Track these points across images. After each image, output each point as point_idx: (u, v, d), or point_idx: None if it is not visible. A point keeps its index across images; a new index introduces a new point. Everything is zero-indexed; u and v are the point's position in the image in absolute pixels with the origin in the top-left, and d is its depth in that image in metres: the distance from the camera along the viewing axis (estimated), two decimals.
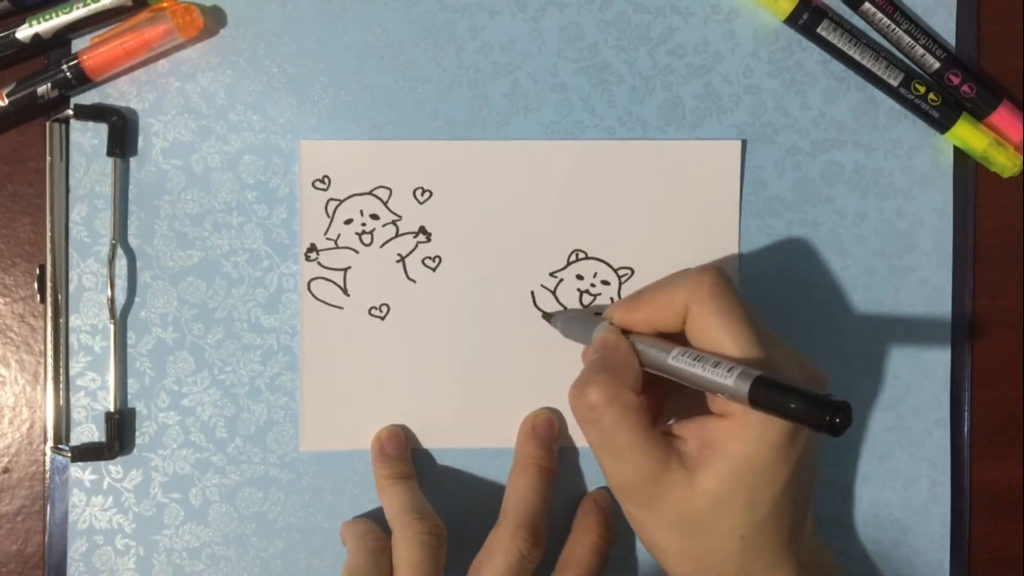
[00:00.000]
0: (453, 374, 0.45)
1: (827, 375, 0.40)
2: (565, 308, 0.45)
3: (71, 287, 0.44)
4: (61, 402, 0.44)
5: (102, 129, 0.43)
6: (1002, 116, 0.45)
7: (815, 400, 0.32)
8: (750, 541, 0.36)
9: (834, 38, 0.44)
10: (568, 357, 0.45)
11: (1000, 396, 0.47)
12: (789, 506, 0.37)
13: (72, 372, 0.44)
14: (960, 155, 0.46)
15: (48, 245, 0.44)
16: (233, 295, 0.45)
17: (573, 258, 0.45)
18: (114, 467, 0.44)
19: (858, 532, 0.46)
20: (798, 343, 0.46)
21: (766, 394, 0.33)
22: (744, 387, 0.33)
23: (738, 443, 0.36)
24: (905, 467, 0.46)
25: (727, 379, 0.34)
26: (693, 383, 0.36)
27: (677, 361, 0.36)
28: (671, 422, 0.38)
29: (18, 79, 0.43)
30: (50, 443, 0.44)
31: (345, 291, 0.45)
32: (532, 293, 0.45)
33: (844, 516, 0.46)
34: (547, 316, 0.45)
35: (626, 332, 0.39)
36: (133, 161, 0.44)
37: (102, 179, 0.44)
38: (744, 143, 0.45)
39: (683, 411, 0.39)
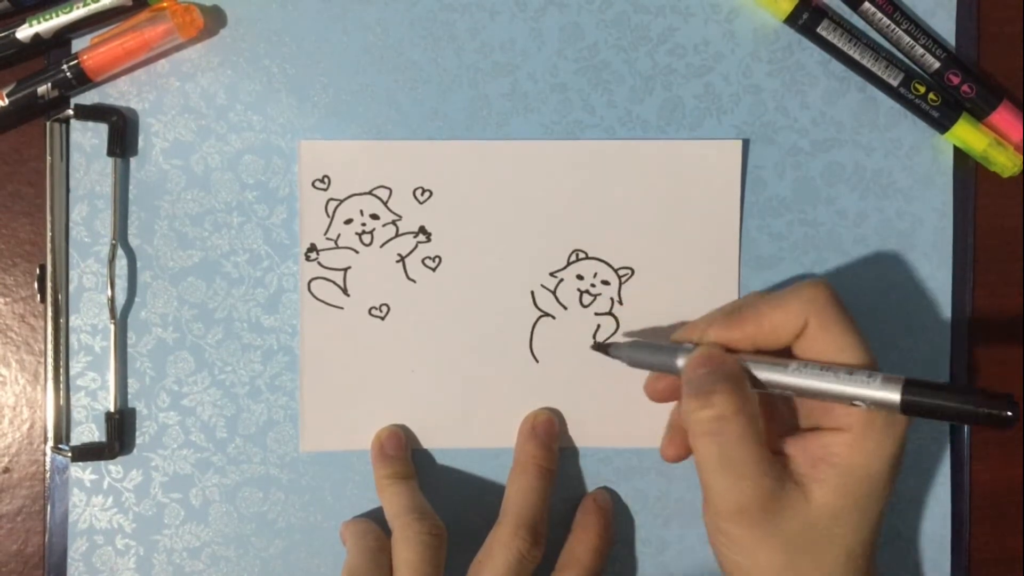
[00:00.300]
0: (453, 374, 0.45)
1: None
2: (565, 308, 0.44)
3: (71, 287, 0.44)
4: (61, 402, 0.44)
5: (102, 129, 0.44)
6: (1002, 116, 0.45)
7: (985, 395, 0.30)
8: (855, 554, 0.36)
9: (834, 38, 0.44)
10: (568, 357, 0.45)
11: None
12: (884, 520, 0.37)
13: (72, 372, 0.44)
14: (960, 155, 0.46)
15: (48, 245, 0.44)
16: (233, 295, 0.45)
17: (573, 258, 0.45)
18: (114, 467, 0.44)
19: None
20: None
21: (922, 397, 0.32)
22: (895, 392, 0.32)
23: (859, 456, 0.35)
24: (905, 467, 0.46)
25: (870, 386, 0.33)
26: (820, 395, 0.35)
27: (800, 373, 0.35)
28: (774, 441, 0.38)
29: (18, 79, 0.43)
30: (50, 443, 0.44)
31: (345, 291, 0.45)
32: (532, 293, 0.45)
33: None
34: (601, 347, 0.43)
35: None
36: (133, 161, 0.44)
37: (102, 179, 0.44)
38: (745, 143, 0.45)
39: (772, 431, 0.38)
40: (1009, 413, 0.30)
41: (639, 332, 0.45)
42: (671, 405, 0.43)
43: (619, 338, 0.45)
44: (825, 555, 0.36)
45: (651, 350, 0.40)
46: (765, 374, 0.36)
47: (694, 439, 0.36)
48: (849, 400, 0.34)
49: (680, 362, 0.38)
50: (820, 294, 0.37)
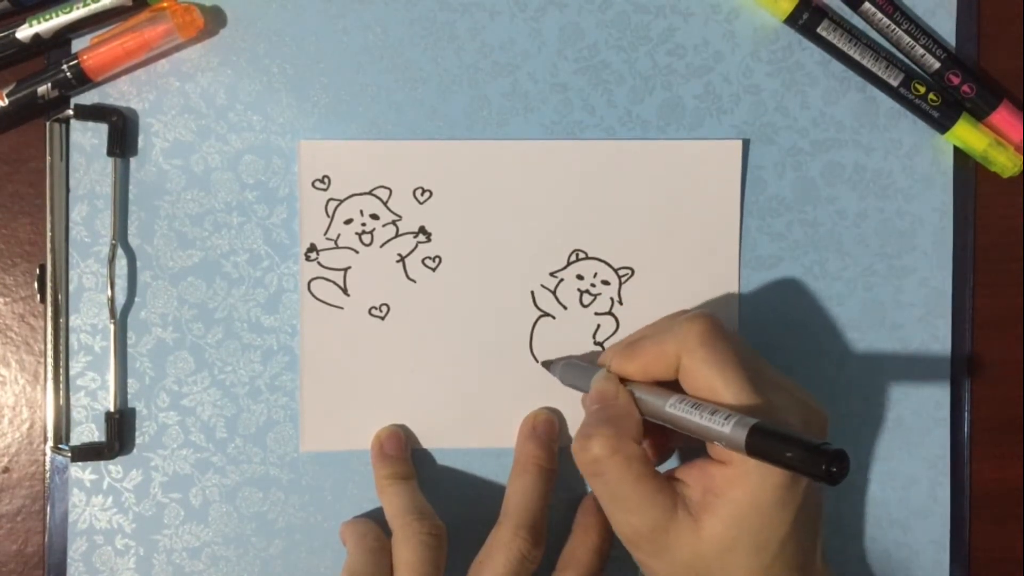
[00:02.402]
0: (453, 374, 0.45)
1: (827, 412, 0.40)
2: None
3: (71, 287, 0.44)
4: (61, 402, 0.44)
5: (102, 129, 0.44)
6: (1002, 116, 0.45)
7: (811, 449, 0.32)
8: None
9: (834, 38, 0.44)
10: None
11: (1000, 396, 0.47)
12: (794, 546, 0.37)
13: (72, 372, 0.44)
14: (960, 155, 0.46)
15: (48, 245, 0.44)
16: (233, 295, 0.45)
17: (573, 258, 0.45)
18: (114, 467, 0.44)
19: (858, 532, 0.46)
20: (798, 344, 0.46)
21: (763, 443, 0.33)
22: (741, 436, 0.34)
23: (741, 489, 0.36)
24: (905, 467, 0.46)
25: (724, 427, 0.34)
26: (692, 431, 0.36)
27: (674, 409, 0.37)
28: (674, 468, 0.38)
29: (18, 79, 0.43)
30: (50, 443, 0.44)
31: (345, 291, 0.45)
32: (532, 293, 0.45)
33: (843, 516, 0.46)
34: (546, 364, 0.45)
35: (624, 380, 0.40)
36: (133, 161, 0.44)
37: (102, 179, 0.44)
38: (746, 143, 0.45)
39: (689, 451, 0.39)
40: (833, 469, 0.31)
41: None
42: None
43: (619, 338, 0.45)
44: None
45: (577, 372, 0.42)
46: (647, 407, 0.38)
47: (584, 475, 0.38)
48: (712, 438, 0.35)
49: (593, 385, 0.40)
50: (693, 331, 0.38)
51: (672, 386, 0.38)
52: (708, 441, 0.36)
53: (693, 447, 0.39)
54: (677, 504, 0.37)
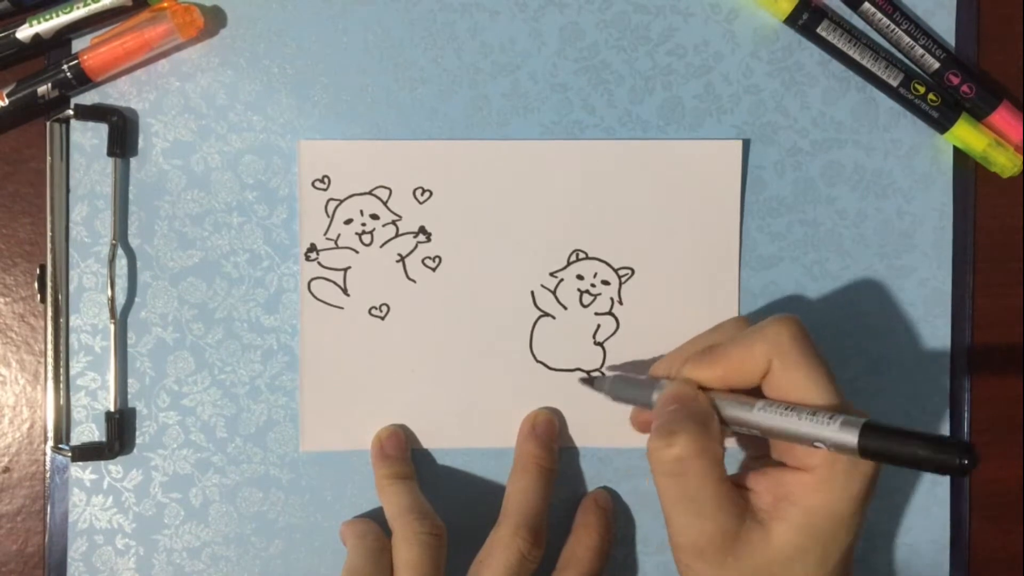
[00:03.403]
0: (453, 374, 0.45)
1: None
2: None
3: (71, 287, 0.44)
4: (61, 402, 0.44)
5: (102, 129, 0.44)
6: (1002, 116, 0.45)
7: (939, 442, 0.31)
8: None
9: (834, 38, 0.44)
10: (568, 358, 0.45)
11: (1000, 396, 0.47)
12: (851, 554, 0.36)
13: (72, 372, 0.44)
14: (960, 155, 0.46)
15: (48, 245, 0.44)
16: (233, 295, 0.45)
17: (573, 258, 0.45)
18: (114, 467, 0.44)
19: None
20: None
21: (878, 441, 0.32)
22: (852, 435, 0.32)
23: (820, 495, 0.35)
24: (905, 468, 0.46)
25: (828, 428, 0.33)
26: (782, 435, 0.35)
27: (764, 413, 0.35)
28: (738, 475, 0.38)
29: (18, 79, 0.43)
30: (50, 443, 0.44)
31: (345, 291, 0.45)
32: (532, 293, 0.45)
33: None
34: (587, 381, 0.43)
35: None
36: (133, 161, 0.44)
37: (102, 179, 0.44)
38: (746, 143, 0.45)
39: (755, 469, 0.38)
40: (965, 461, 0.30)
41: (639, 333, 0.45)
42: None
43: (618, 339, 0.45)
44: None
45: (631, 385, 0.40)
46: (731, 412, 0.36)
47: (656, 476, 0.37)
48: (810, 441, 0.34)
49: (656, 397, 0.38)
50: (784, 333, 0.36)
51: (753, 395, 0.37)
52: (804, 444, 0.35)
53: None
54: (747, 512, 0.36)
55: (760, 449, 0.39)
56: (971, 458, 0.30)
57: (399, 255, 0.45)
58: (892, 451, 0.32)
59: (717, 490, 0.35)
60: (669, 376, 0.39)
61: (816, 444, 0.34)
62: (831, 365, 0.36)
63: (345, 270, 0.45)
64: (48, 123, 0.43)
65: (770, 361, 0.36)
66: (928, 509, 0.46)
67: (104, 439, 0.44)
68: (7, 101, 0.43)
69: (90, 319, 0.44)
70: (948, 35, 0.46)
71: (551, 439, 0.44)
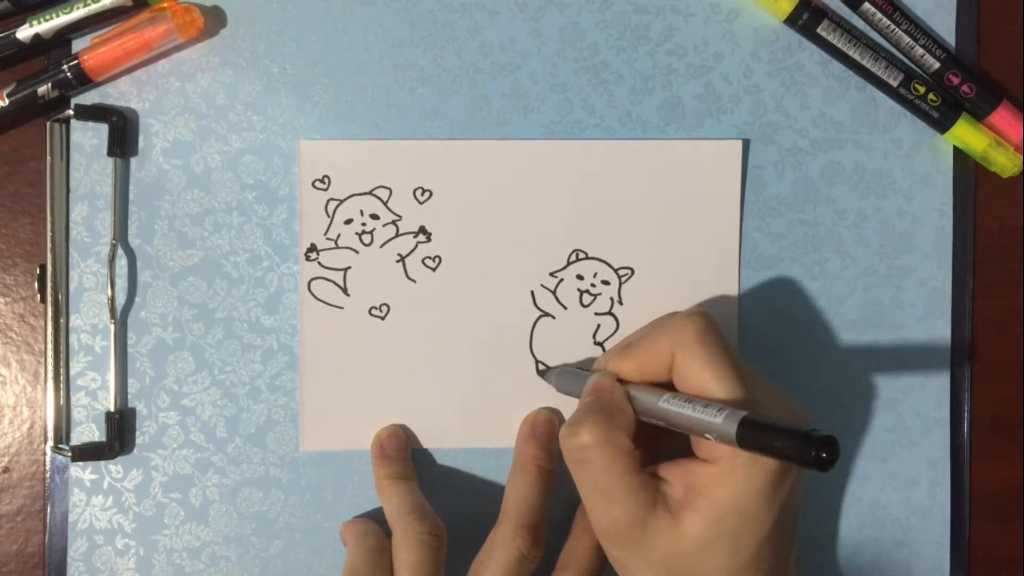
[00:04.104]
0: (453, 374, 0.45)
1: (809, 412, 0.40)
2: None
3: (71, 287, 0.44)
4: (61, 402, 0.44)
5: (102, 129, 0.44)
6: (1002, 116, 0.45)
7: (801, 437, 0.32)
8: None
9: (834, 38, 0.44)
10: (568, 357, 0.45)
11: (1000, 396, 0.47)
12: (771, 550, 0.37)
13: (72, 372, 0.44)
14: (960, 155, 0.46)
15: (48, 245, 0.44)
16: (233, 295, 0.45)
17: (573, 258, 0.45)
18: (114, 467, 0.44)
19: (858, 532, 0.46)
20: (797, 343, 0.46)
21: (753, 433, 0.33)
22: (732, 427, 0.34)
23: (724, 488, 0.36)
24: (905, 467, 0.46)
25: (715, 419, 0.35)
26: (683, 427, 0.36)
27: (668, 404, 0.37)
28: (656, 465, 0.39)
29: (18, 79, 0.43)
30: (50, 443, 0.44)
31: (345, 291, 0.45)
32: (532, 293, 0.45)
33: (844, 516, 0.46)
34: (541, 373, 0.45)
35: (621, 381, 0.40)
36: (133, 161, 0.44)
37: (102, 179, 0.44)
38: (746, 143, 0.45)
39: (672, 454, 0.39)
40: (824, 455, 0.31)
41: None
42: None
43: (618, 340, 0.45)
44: None
45: (572, 378, 0.42)
46: (640, 404, 0.38)
47: (568, 464, 0.39)
48: (702, 432, 0.35)
49: (588, 384, 0.40)
50: (688, 328, 0.38)
51: (667, 388, 0.38)
52: (698, 436, 0.36)
53: (676, 450, 0.39)
54: (658, 500, 0.37)
55: (682, 442, 0.40)
56: (831, 453, 0.31)
57: (399, 255, 0.45)
58: (763, 443, 0.33)
59: (622, 478, 0.37)
60: (604, 366, 0.41)
61: (707, 436, 0.35)
62: (740, 360, 0.38)
63: (345, 270, 0.45)
64: (48, 123, 0.43)
65: (672, 353, 0.38)
66: (928, 509, 0.46)
67: (104, 439, 0.44)
68: (7, 101, 0.43)
69: (90, 319, 0.44)
70: (948, 35, 0.46)
71: (551, 439, 0.44)
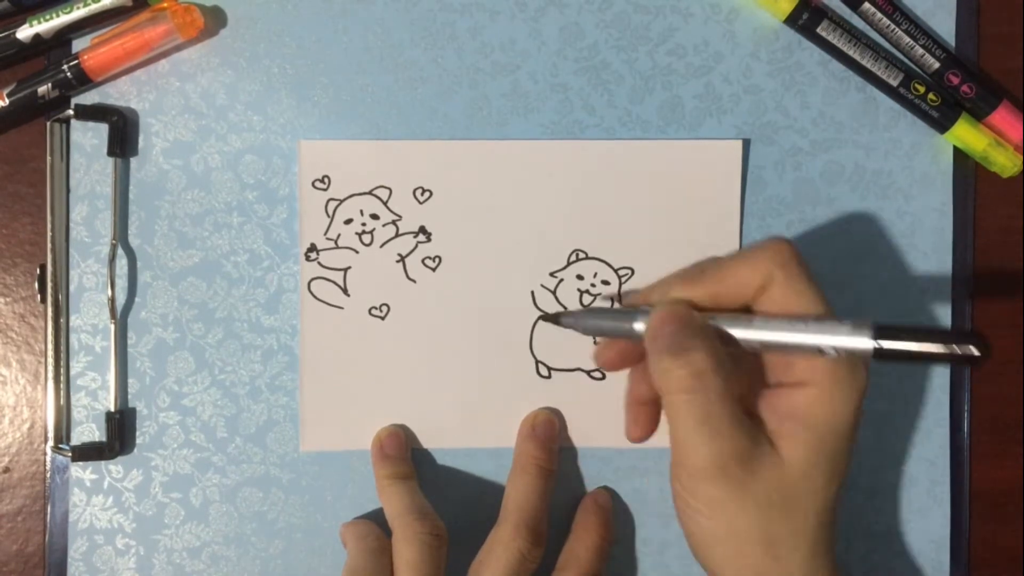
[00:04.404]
0: (453, 374, 0.45)
1: None
2: (565, 308, 0.44)
3: (71, 287, 0.44)
4: (62, 402, 0.44)
5: (102, 129, 0.44)
6: (1002, 116, 0.45)
7: (952, 335, 0.30)
8: (822, 518, 0.36)
9: (834, 38, 0.44)
10: (568, 358, 0.45)
11: (1000, 396, 0.47)
12: (846, 486, 0.36)
13: (73, 372, 0.44)
14: (960, 155, 0.46)
15: (48, 245, 0.44)
16: (233, 295, 0.45)
17: (573, 258, 0.45)
18: (114, 467, 0.44)
19: (858, 532, 0.46)
20: None
21: (893, 340, 0.32)
22: (866, 338, 0.32)
23: (824, 410, 0.35)
24: (905, 467, 0.46)
25: (840, 332, 0.33)
26: (788, 347, 0.34)
27: (767, 327, 0.35)
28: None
29: (18, 79, 0.43)
30: (51, 443, 0.44)
31: (345, 291, 0.45)
32: (532, 293, 0.45)
33: (844, 516, 0.46)
34: (550, 318, 0.41)
35: None
36: (133, 161, 0.44)
37: (102, 179, 0.44)
38: (746, 143, 0.45)
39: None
40: (977, 352, 0.30)
41: None
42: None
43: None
44: (796, 516, 0.35)
45: (606, 315, 0.39)
46: (733, 330, 0.35)
47: (670, 396, 0.35)
48: (818, 350, 0.33)
49: (638, 325, 0.37)
50: (784, 249, 0.36)
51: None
52: (809, 355, 0.34)
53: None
54: (760, 432, 0.35)
55: (754, 377, 0.38)
56: (984, 348, 0.30)
57: (399, 255, 0.45)
58: (907, 348, 0.31)
59: (733, 408, 0.35)
60: (650, 303, 0.37)
61: (826, 351, 0.33)
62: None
63: (345, 270, 0.45)
64: (48, 123, 0.43)
65: (771, 274, 0.35)
66: (928, 509, 0.46)
67: (104, 439, 0.44)
68: (7, 101, 0.43)
69: (90, 319, 0.44)
70: (948, 35, 0.46)
71: (551, 439, 0.44)
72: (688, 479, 0.35)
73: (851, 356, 0.33)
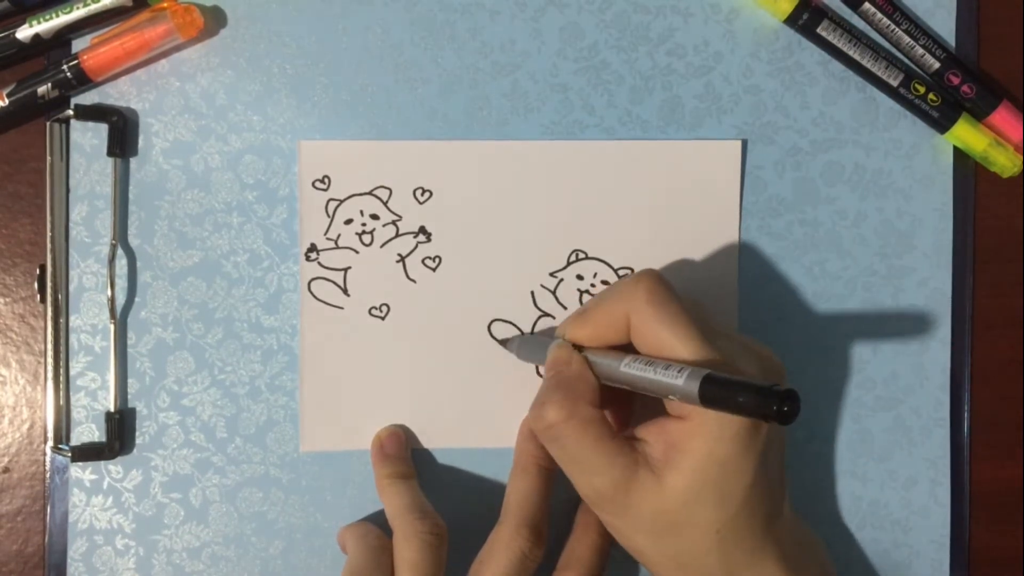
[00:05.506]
0: (453, 374, 0.45)
1: (786, 368, 0.40)
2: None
3: (71, 287, 0.44)
4: (61, 402, 0.44)
5: (102, 129, 0.44)
6: (1002, 116, 0.45)
7: (761, 391, 0.32)
8: (726, 536, 0.37)
9: (834, 38, 0.44)
10: None
11: (1000, 396, 0.47)
12: (760, 496, 0.37)
13: (72, 372, 0.44)
14: (960, 155, 0.46)
15: (48, 245, 0.44)
16: (233, 295, 0.45)
17: (573, 258, 0.45)
18: (114, 467, 0.44)
19: (858, 532, 0.46)
20: (797, 343, 0.46)
21: (715, 392, 0.33)
22: (694, 387, 0.34)
23: (700, 441, 0.36)
24: (905, 467, 0.46)
25: (678, 380, 0.34)
26: (647, 390, 0.36)
27: (629, 368, 0.37)
28: (634, 428, 0.39)
29: (18, 79, 0.43)
30: (50, 443, 0.44)
31: (345, 291, 0.45)
32: (532, 293, 0.45)
33: (844, 517, 0.46)
34: (502, 342, 0.45)
35: (580, 348, 0.40)
36: (133, 161, 0.44)
37: (102, 179, 0.44)
38: (744, 143, 0.45)
39: (650, 418, 0.39)
40: (784, 408, 0.31)
41: None
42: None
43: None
44: (689, 538, 0.37)
45: (534, 345, 0.42)
46: (602, 369, 0.38)
47: (542, 443, 0.40)
48: (667, 394, 0.35)
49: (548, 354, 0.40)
50: (640, 287, 0.38)
51: (628, 350, 0.38)
52: (664, 397, 0.36)
53: (651, 409, 0.39)
54: (639, 462, 0.37)
55: (652, 407, 0.40)
56: (791, 406, 0.31)
57: (399, 255, 0.45)
58: (726, 400, 0.33)
59: (596, 448, 0.37)
60: (562, 336, 0.41)
61: (671, 397, 0.35)
62: (697, 315, 0.37)
63: (345, 270, 0.45)
64: (48, 123, 0.43)
65: (635, 307, 0.37)
66: (928, 509, 0.46)
67: (104, 439, 0.44)
68: (7, 101, 0.43)
69: (90, 319, 0.44)
70: (948, 35, 0.46)
71: None
72: (589, 505, 0.39)
73: (687, 400, 0.34)
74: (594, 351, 0.39)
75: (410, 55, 0.45)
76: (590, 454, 0.37)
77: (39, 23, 0.43)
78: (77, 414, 0.44)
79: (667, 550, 0.38)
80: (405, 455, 0.44)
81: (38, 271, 0.44)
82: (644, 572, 0.46)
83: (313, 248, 0.44)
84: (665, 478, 0.36)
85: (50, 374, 0.44)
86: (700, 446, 0.36)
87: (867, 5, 0.45)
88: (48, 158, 0.43)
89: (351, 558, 0.42)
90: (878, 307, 0.46)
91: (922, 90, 0.45)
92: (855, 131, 0.46)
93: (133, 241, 0.44)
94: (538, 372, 0.45)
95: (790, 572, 0.38)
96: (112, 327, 0.44)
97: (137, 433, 0.44)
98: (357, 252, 0.45)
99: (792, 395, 0.32)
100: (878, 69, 0.44)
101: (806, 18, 0.44)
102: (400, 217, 0.45)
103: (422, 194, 0.45)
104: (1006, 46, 0.47)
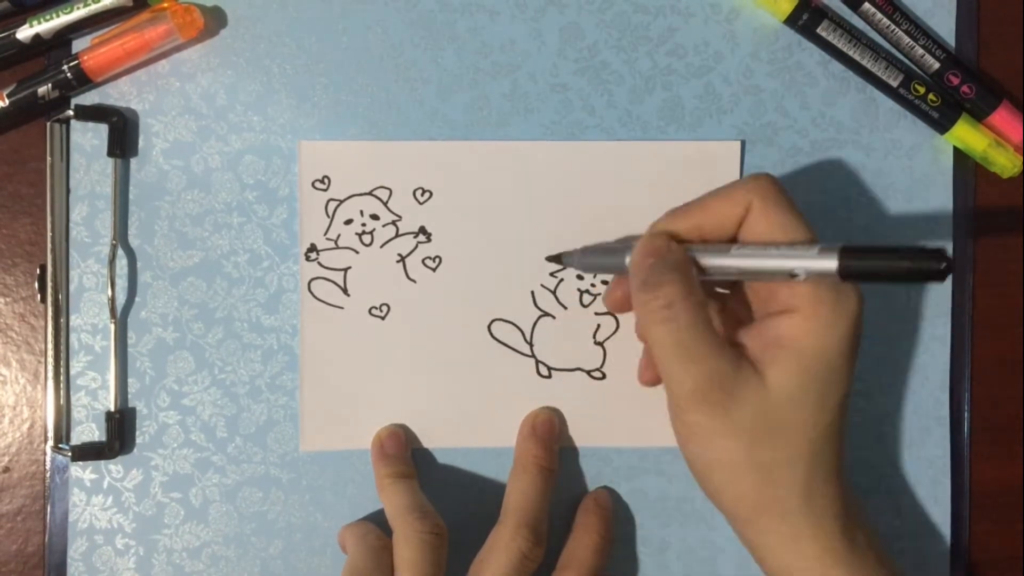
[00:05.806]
0: (453, 374, 0.45)
1: None
2: (565, 308, 0.45)
3: (71, 287, 0.44)
4: (61, 401, 0.44)
5: (102, 129, 0.44)
6: (1002, 116, 0.45)
7: (913, 251, 0.31)
8: (817, 446, 0.36)
9: (834, 38, 0.44)
10: (568, 357, 0.45)
11: (1000, 396, 0.47)
12: (845, 416, 0.36)
13: (72, 372, 0.44)
14: (960, 155, 0.46)
15: (48, 245, 0.44)
16: (233, 295, 0.45)
17: None
18: (114, 466, 0.44)
19: None
20: None
21: (858, 261, 0.32)
22: (832, 257, 0.32)
23: (809, 336, 0.35)
24: (905, 467, 0.46)
25: (808, 256, 0.33)
26: (761, 274, 0.35)
27: (741, 254, 0.35)
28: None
29: (18, 79, 0.43)
30: (50, 442, 0.44)
31: (345, 291, 0.45)
32: (532, 293, 0.45)
33: None
34: (555, 258, 0.44)
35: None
36: (133, 161, 0.44)
37: (102, 179, 0.44)
38: (744, 143, 0.45)
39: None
40: (942, 266, 0.30)
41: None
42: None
43: (619, 339, 0.45)
44: (785, 444, 0.35)
45: (602, 252, 0.41)
46: (709, 259, 0.36)
47: (648, 329, 0.36)
48: (789, 274, 0.34)
49: (628, 259, 0.38)
50: (763, 182, 0.37)
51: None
52: (782, 280, 0.35)
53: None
54: (743, 357, 0.36)
55: (737, 314, 0.39)
56: (947, 262, 0.30)
57: (399, 255, 0.45)
58: (871, 267, 0.32)
59: (708, 335, 0.35)
60: (654, 227, 0.39)
61: (795, 274, 0.34)
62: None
63: (345, 270, 0.45)
64: (48, 123, 0.43)
65: (750, 204, 0.36)
66: (928, 509, 0.46)
67: (104, 439, 0.44)
68: (7, 102, 0.43)
69: (90, 319, 0.44)
70: (948, 35, 0.46)
71: (551, 439, 0.44)
72: (676, 408, 0.36)
73: (826, 278, 0.33)
74: (691, 245, 0.37)
75: (410, 55, 0.45)
76: (701, 339, 0.35)
77: (39, 23, 0.43)
78: (77, 414, 0.44)
79: (757, 459, 0.35)
80: (405, 455, 0.44)
81: (38, 271, 0.44)
82: (644, 572, 0.46)
83: (313, 248, 0.44)
84: (768, 376, 0.35)
85: (50, 373, 0.44)
86: (809, 341, 0.35)
87: (867, 5, 0.45)
88: (48, 158, 0.43)
89: (351, 558, 0.42)
90: (878, 307, 0.46)
91: (922, 90, 0.45)
92: (855, 131, 0.46)
93: (133, 241, 0.44)
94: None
95: (857, 508, 0.37)
96: (112, 327, 0.44)
97: (137, 433, 0.44)
98: (357, 252, 0.45)
99: (945, 253, 0.31)
100: (878, 69, 0.44)
101: (806, 18, 0.44)
102: (400, 217, 0.45)
103: (422, 194, 0.45)
104: (1006, 46, 0.47)
